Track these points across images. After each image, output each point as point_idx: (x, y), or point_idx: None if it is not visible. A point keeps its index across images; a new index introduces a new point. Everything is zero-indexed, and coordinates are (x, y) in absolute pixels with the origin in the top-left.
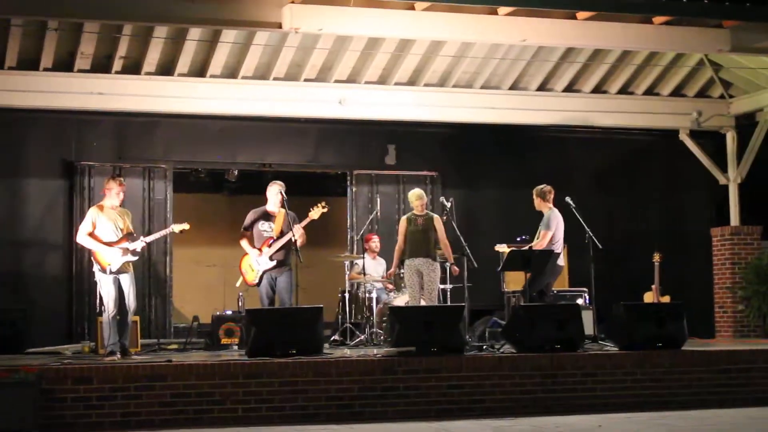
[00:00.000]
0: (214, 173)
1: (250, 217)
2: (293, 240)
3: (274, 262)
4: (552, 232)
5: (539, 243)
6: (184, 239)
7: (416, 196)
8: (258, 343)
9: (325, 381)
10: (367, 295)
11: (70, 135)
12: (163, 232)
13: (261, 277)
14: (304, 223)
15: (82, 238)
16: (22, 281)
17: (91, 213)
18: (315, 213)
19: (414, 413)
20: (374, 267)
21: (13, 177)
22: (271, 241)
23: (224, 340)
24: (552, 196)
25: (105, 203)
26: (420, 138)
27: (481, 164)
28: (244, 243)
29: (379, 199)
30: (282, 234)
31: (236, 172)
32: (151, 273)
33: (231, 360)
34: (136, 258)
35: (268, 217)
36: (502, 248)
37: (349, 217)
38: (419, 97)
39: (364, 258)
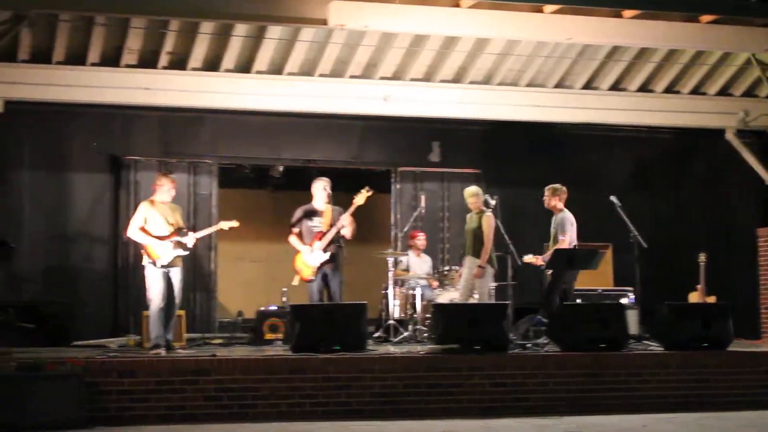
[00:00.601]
0: (258, 169)
1: (297, 214)
2: (342, 234)
3: (328, 255)
4: (569, 234)
5: (561, 245)
6: (228, 234)
7: (467, 193)
8: (302, 339)
9: (368, 377)
10: (411, 291)
11: (116, 129)
12: (212, 229)
13: (317, 272)
14: (352, 209)
15: (133, 232)
16: (69, 275)
17: (143, 208)
18: (360, 198)
19: (457, 410)
20: (419, 264)
21: (60, 171)
22: (321, 235)
23: (268, 336)
24: (566, 197)
25: (156, 198)
26: (464, 135)
27: (525, 162)
28: (294, 240)
29: (423, 196)
30: (331, 228)
31: (281, 168)
32: (195, 268)
33: (275, 355)
34: (187, 252)
35: (315, 213)
36: (530, 259)
37: (393, 214)
38: (464, 94)
39: (408, 255)
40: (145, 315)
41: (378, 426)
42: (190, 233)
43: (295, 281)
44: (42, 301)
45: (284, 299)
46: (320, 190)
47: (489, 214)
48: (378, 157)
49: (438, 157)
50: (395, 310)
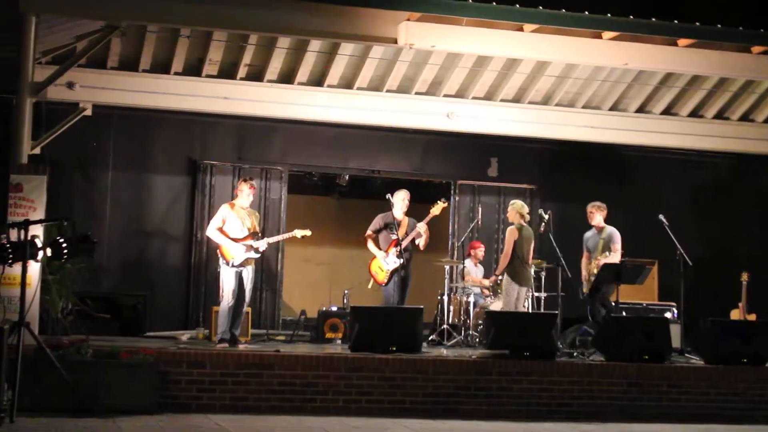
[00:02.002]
0: (326, 177)
1: (378, 222)
2: (416, 243)
3: (402, 260)
4: (620, 247)
5: (613, 258)
6: (295, 238)
7: (510, 206)
8: (361, 339)
9: (422, 378)
10: (465, 298)
11: (194, 135)
12: (286, 236)
13: (390, 277)
14: (428, 219)
15: (211, 231)
16: (145, 269)
17: (223, 209)
18: (436, 209)
19: (504, 413)
20: (475, 273)
21: (141, 172)
22: (397, 242)
23: (329, 335)
24: (606, 214)
25: (236, 202)
26: (521, 153)
27: (578, 181)
28: (371, 245)
29: (480, 209)
30: (406, 236)
31: (347, 177)
32: (263, 268)
33: (335, 353)
34: (258, 256)
35: (394, 221)
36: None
37: (451, 224)
38: (523, 113)
39: (464, 263)
40: (214, 310)
41: (429, 424)
42: (265, 238)
43: (369, 284)
44: (118, 293)
45: (345, 301)
46: (400, 200)
47: (512, 227)
48: (439, 170)
49: (496, 172)
50: (450, 315)
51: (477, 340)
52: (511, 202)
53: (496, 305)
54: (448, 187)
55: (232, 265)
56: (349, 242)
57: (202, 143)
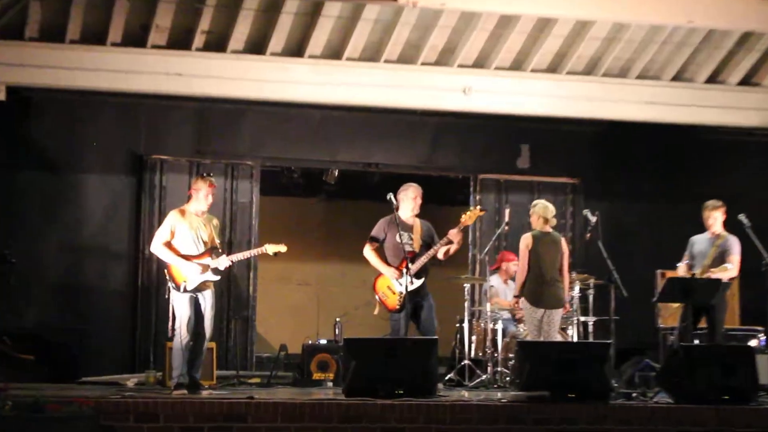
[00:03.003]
0: (309, 173)
1: (382, 226)
2: (437, 255)
3: (421, 281)
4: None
5: (730, 273)
6: (267, 254)
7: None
8: (358, 380)
9: (437, 428)
10: (491, 326)
11: (139, 123)
12: (252, 252)
13: (403, 302)
14: (458, 229)
15: (156, 247)
16: (79, 295)
17: (171, 218)
18: (469, 217)
19: None
20: (504, 292)
21: (72, 171)
22: (413, 256)
23: (317, 375)
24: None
25: (189, 207)
26: (559, 138)
27: (633, 171)
28: (375, 259)
29: (507, 210)
30: (423, 248)
31: (336, 173)
32: (231, 290)
33: (325, 399)
34: (218, 278)
35: (405, 226)
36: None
37: (472, 230)
38: (560, 87)
39: (489, 281)
40: (169, 347)
41: None
42: (223, 256)
43: (376, 310)
44: (46, 327)
45: (337, 332)
46: (410, 198)
47: (526, 234)
48: (454, 162)
49: (527, 162)
50: (472, 347)
51: (507, 378)
52: (533, 203)
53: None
54: (466, 184)
55: (185, 290)
56: (339, 255)
57: (149, 133)
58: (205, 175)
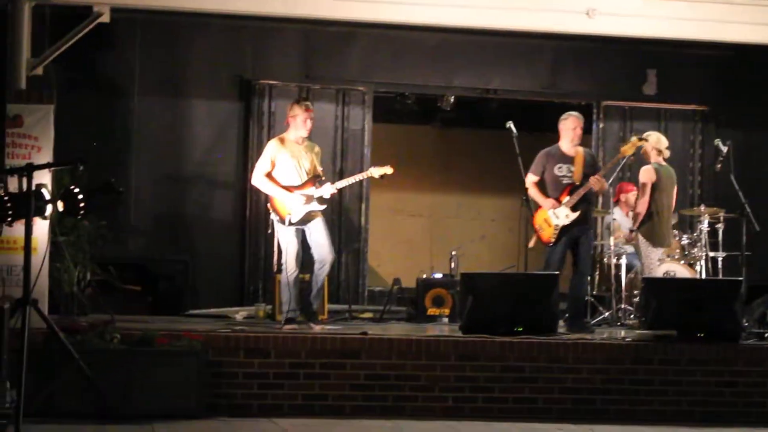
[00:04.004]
0: (424, 100)
1: (541, 159)
2: (594, 188)
3: (577, 215)
4: None
5: None
6: (383, 181)
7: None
8: (475, 317)
9: (559, 368)
10: (615, 260)
11: (247, 46)
12: (358, 177)
13: (559, 235)
14: (615, 161)
15: (258, 179)
16: (184, 227)
17: (271, 148)
18: (630, 147)
19: (671, 414)
20: (627, 226)
21: (177, 97)
22: (571, 188)
23: (431, 311)
24: None
25: (288, 135)
26: (688, 63)
27: (766, 98)
28: (534, 191)
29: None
30: (584, 179)
31: (452, 99)
32: (341, 223)
33: (441, 336)
34: (324, 207)
35: (565, 158)
36: None
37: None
38: (690, 9)
39: (612, 213)
40: (277, 280)
41: (569, 431)
42: (327, 184)
43: (531, 242)
44: (151, 259)
45: (453, 265)
46: (568, 129)
47: (648, 166)
48: (576, 88)
49: (654, 89)
50: (594, 283)
51: (632, 316)
52: (646, 133)
53: (659, 269)
54: (589, 110)
55: (290, 223)
56: (454, 186)
57: (256, 57)
58: (301, 100)
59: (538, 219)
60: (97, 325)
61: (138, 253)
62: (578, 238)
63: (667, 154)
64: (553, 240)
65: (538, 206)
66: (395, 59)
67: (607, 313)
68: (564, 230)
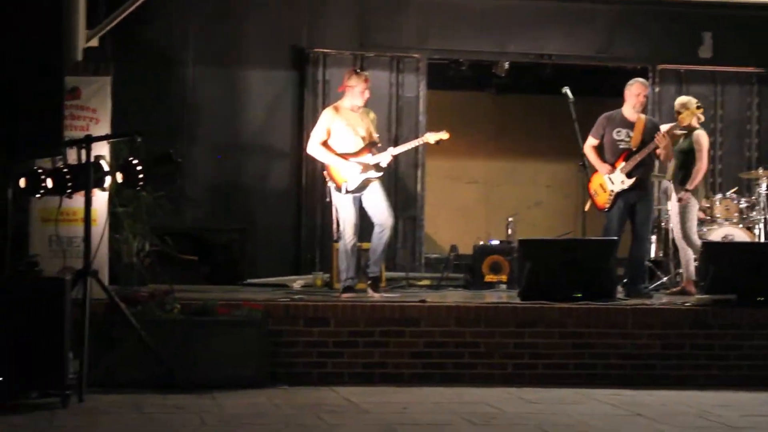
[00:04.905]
0: (478, 66)
1: (602, 122)
2: (656, 152)
3: (632, 181)
4: None
5: None
6: (438, 149)
7: (677, 103)
8: (534, 283)
9: (617, 334)
10: (671, 225)
11: (301, 14)
12: (414, 143)
13: (614, 201)
14: (670, 128)
15: (313, 147)
16: (241, 195)
17: (326, 116)
18: (687, 115)
19: (733, 379)
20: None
21: (231, 67)
22: (628, 154)
23: (489, 277)
24: None
25: (344, 104)
26: (744, 24)
27: None
28: (592, 155)
29: None
30: (642, 145)
31: (506, 65)
32: (398, 190)
33: (500, 303)
34: (381, 174)
35: (625, 123)
36: None
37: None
38: None
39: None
40: (335, 248)
41: (630, 396)
42: (388, 149)
43: (587, 207)
44: (208, 228)
45: (509, 231)
46: (632, 95)
47: (700, 131)
48: (631, 52)
49: (710, 52)
50: (652, 248)
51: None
52: (685, 100)
53: (716, 234)
54: (645, 74)
55: (347, 191)
56: (509, 152)
57: (310, 26)
58: (358, 69)
59: (594, 184)
60: (156, 295)
61: (194, 224)
62: (635, 204)
63: (702, 119)
64: (607, 206)
65: (594, 171)
66: (449, 26)
67: (665, 278)
68: (619, 196)
